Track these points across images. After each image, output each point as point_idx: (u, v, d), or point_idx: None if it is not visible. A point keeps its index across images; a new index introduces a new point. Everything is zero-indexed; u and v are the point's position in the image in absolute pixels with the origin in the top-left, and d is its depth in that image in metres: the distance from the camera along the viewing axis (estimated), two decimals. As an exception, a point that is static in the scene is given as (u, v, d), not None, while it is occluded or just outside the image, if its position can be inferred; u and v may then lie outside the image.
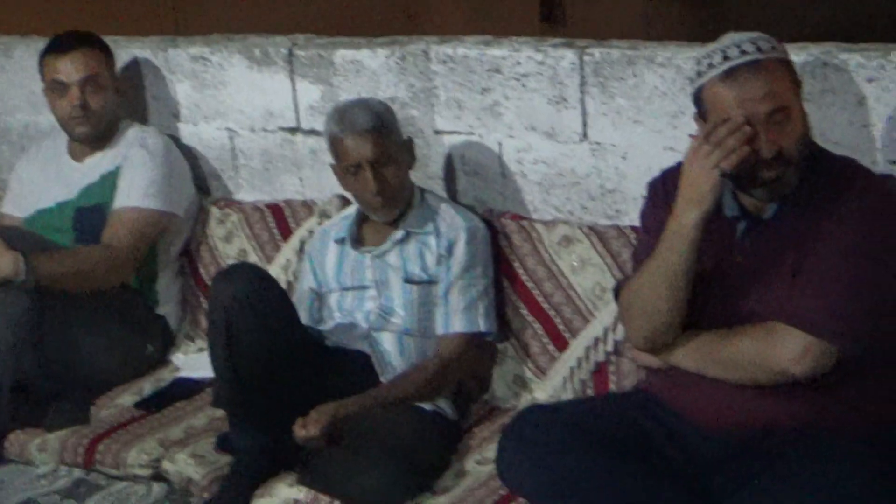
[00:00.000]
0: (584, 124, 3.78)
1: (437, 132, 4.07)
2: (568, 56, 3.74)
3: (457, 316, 3.63)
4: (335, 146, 3.69)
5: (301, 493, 3.36)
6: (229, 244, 4.38)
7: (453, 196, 4.08)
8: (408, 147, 3.76)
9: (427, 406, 3.52)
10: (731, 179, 2.84)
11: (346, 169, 3.67)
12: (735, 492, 2.84)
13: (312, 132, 4.36)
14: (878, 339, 2.85)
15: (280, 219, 4.33)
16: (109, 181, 4.25)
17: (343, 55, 4.22)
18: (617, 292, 3.17)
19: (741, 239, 2.96)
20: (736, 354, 2.91)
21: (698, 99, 2.90)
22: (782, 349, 2.82)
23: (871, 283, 2.82)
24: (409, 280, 3.67)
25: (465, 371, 3.71)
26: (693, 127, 3.00)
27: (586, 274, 3.68)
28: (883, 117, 3.27)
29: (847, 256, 2.81)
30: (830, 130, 3.30)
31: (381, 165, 3.62)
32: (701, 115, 2.91)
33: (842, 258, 2.81)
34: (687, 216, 2.84)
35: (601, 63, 3.69)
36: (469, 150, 4.02)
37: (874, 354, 2.87)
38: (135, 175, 4.21)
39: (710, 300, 2.98)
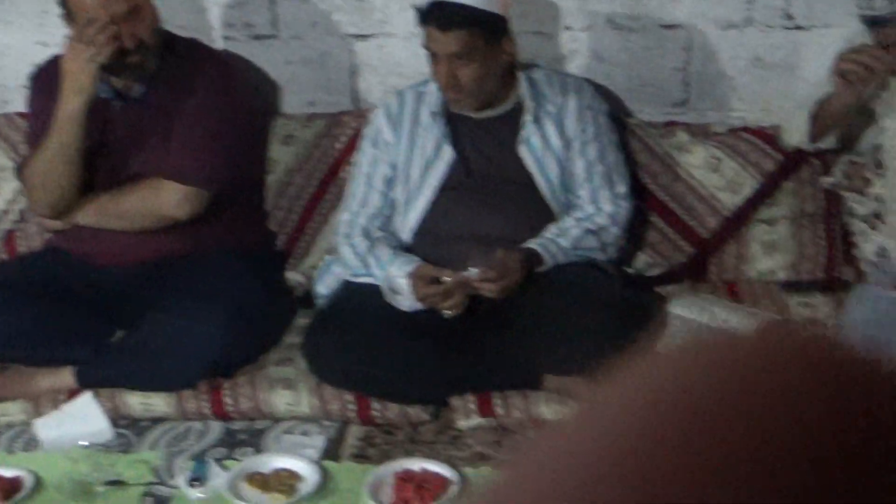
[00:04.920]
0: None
1: None
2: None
3: None
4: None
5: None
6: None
7: None
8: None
9: None
10: (104, 69, 3.26)
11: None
12: (139, 312, 3.35)
13: None
14: (236, 180, 3.48)
15: None
16: None
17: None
18: (19, 171, 3.54)
19: (119, 115, 3.43)
20: (127, 208, 3.42)
21: (63, 2, 3.25)
22: (165, 199, 3.37)
23: (225, 137, 3.41)
24: None
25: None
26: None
27: None
28: (220, 4, 3.84)
29: (204, 118, 3.37)
30: (174, 17, 3.69)
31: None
32: (68, 16, 3.27)
33: (201, 120, 3.37)
34: (72, 103, 3.24)
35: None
36: None
37: (235, 192, 3.50)
38: None
39: (101, 168, 3.45)
